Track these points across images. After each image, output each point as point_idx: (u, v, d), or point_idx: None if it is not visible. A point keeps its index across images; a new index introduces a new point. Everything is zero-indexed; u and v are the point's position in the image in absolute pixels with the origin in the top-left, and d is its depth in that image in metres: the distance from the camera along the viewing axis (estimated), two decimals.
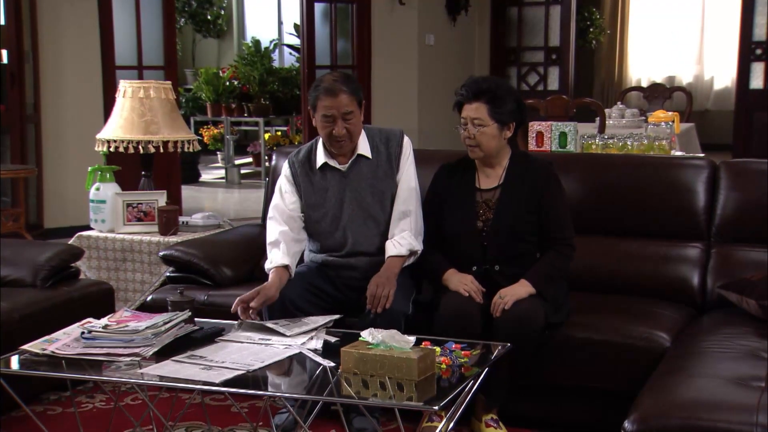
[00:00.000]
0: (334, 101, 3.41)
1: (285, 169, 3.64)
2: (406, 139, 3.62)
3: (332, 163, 3.55)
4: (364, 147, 3.55)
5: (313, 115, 3.49)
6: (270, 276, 3.41)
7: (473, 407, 3.29)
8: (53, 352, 2.81)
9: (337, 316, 3.20)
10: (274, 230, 3.55)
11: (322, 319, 3.16)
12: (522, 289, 3.30)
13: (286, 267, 3.44)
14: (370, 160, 3.55)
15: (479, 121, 3.39)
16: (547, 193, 3.42)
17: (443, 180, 3.57)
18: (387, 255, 3.47)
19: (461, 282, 3.34)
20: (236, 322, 3.15)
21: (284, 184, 3.61)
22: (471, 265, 3.42)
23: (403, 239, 3.47)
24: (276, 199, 3.62)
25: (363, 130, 3.56)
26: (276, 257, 3.46)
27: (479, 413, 3.32)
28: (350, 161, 3.54)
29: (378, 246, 3.52)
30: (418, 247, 3.50)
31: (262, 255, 4.02)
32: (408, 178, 3.57)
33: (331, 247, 3.56)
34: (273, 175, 4.36)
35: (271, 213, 3.61)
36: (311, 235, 3.59)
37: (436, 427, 3.17)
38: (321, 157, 3.56)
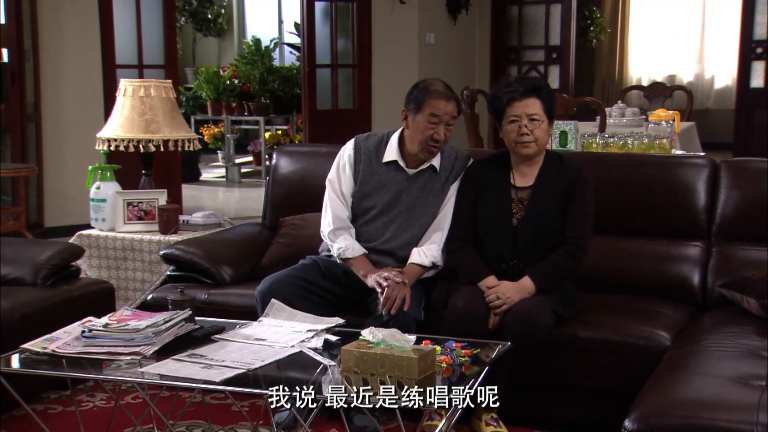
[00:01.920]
0: (446, 105, 3.46)
1: (350, 147, 3.66)
2: (471, 161, 3.64)
3: (401, 163, 3.58)
4: (436, 159, 3.58)
5: (413, 115, 3.50)
6: (359, 263, 3.49)
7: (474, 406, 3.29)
8: (54, 350, 2.81)
9: (340, 321, 3.16)
10: (340, 212, 3.60)
11: (320, 321, 3.15)
12: (523, 290, 3.32)
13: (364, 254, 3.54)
14: (437, 174, 3.58)
15: (537, 116, 3.38)
16: (574, 196, 3.42)
17: (478, 175, 3.54)
18: (410, 261, 3.49)
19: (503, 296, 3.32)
20: (238, 321, 3.15)
21: (345, 163, 3.64)
22: (500, 261, 3.42)
23: (430, 251, 3.50)
24: (333, 174, 3.66)
25: None
26: (354, 246, 3.54)
27: (479, 412, 3.32)
28: (420, 168, 3.57)
29: (407, 254, 3.53)
30: (441, 262, 3.52)
31: (263, 254, 4.04)
32: (454, 196, 3.59)
33: (363, 238, 3.60)
34: (274, 173, 4.37)
35: (328, 190, 3.64)
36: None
37: (437, 426, 3.16)
38: (392, 154, 3.59)
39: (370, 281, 3.41)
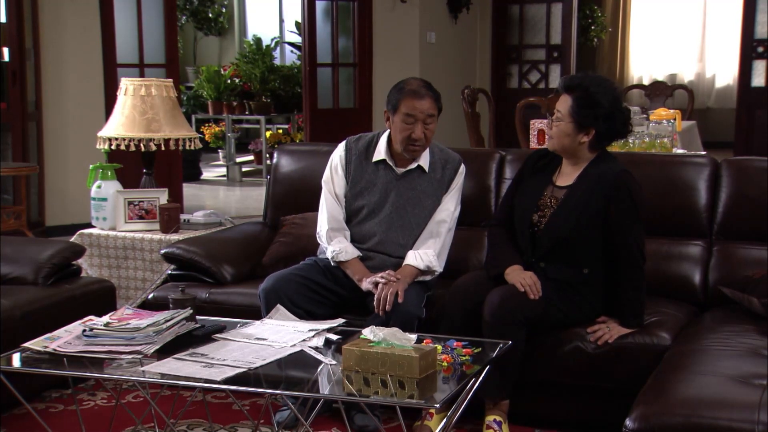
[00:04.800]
0: (419, 103, 3.46)
1: (341, 149, 3.69)
2: (462, 167, 3.66)
3: (390, 162, 3.59)
4: (424, 159, 3.60)
5: (392, 116, 3.53)
6: (353, 267, 3.50)
7: (482, 408, 3.28)
8: (55, 349, 2.81)
9: (341, 321, 3.16)
10: (336, 213, 3.61)
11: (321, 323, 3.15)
12: (624, 329, 3.26)
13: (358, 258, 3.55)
14: (425, 174, 3.59)
15: (558, 113, 3.35)
16: (614, 206, 3.26)
17: (531, 164, 3.50)
18: (405, 262, 3.50)
19: (520, 277, 3.26)
20: (239, 320, 3.15)
21: (336, 163, 3.67)
22: (523, 254, 3.38)
23: (426, 255, 3.50)
24: (327, 175, 3.69)
25: None
26: (348, 248, 3.54)
27: (485, 413, 3.29)
28: (408, 168, 3.58)
29: (401, 254, 3.54)
30: (438, 268, 3.53)
31: (264, 253, 4.04)
32: (451, 204, 3.61)
33: (355, 238, 3.60)
34: (274, 172, 4.37)
35: (324, 191, 3.66)
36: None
37: (430, 426, 3.17)
38: (381, 153, 3.61)
39: (365, 285, 3.42)
